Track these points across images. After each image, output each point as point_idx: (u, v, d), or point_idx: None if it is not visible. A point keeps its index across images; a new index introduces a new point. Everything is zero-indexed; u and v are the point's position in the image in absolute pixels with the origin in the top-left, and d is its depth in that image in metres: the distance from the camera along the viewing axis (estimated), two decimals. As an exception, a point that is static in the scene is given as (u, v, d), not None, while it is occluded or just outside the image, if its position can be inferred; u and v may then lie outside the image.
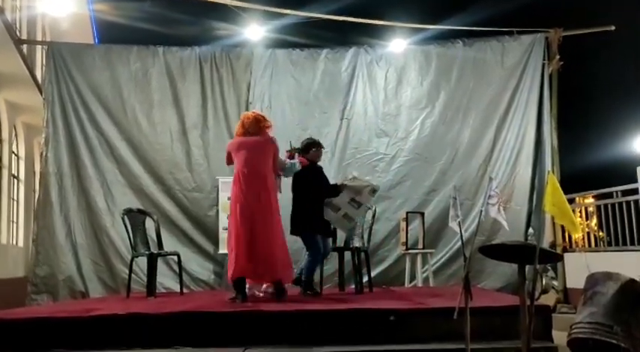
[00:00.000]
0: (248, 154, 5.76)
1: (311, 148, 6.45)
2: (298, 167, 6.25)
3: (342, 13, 9.05)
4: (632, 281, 3.48)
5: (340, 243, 7.14)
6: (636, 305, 3.43)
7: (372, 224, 7.07)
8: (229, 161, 6.01)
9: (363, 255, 6.88)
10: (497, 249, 3.68)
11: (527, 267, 3.61)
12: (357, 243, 6.93)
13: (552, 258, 4.44)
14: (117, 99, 8.81)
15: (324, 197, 6.31)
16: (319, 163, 6.60)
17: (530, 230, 8.51)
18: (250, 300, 5.65)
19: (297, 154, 6.43)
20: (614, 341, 3.33)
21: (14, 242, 11.38)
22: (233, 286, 5.69)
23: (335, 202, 6.30)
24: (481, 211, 3.82)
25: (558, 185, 3.74)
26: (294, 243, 8.44)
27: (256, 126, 5.90)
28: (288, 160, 6.27)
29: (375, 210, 7.03)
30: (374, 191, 6.42)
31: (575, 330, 3.53)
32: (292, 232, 6.33)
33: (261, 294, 6.17)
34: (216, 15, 9.40)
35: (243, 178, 5.69)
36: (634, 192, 7.47)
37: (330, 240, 6.74)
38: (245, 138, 5.88)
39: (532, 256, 3.34)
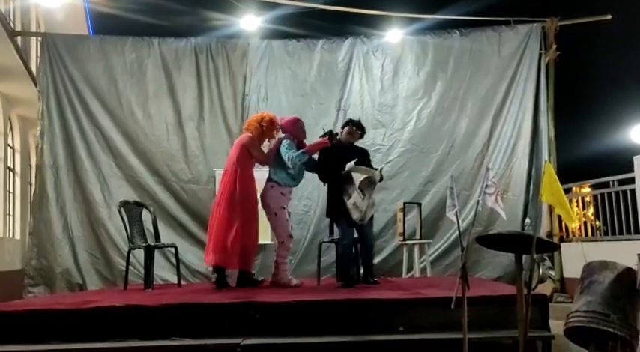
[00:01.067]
0: (231, 151, 6.37)
1: (343, 128, 6.32)
2: (299, 160, 6.06)
3: (338, 4, 9.03)
4: (628, 269, 3.49)
5: (337, 234, 7.11)
6: (632, 293, 3.44)
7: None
8: None
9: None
10: (494, 239, 3.68)
11: (524, 257, 3.61)
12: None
13: (549, 248, 4.45)
14: (112, 90, 8.78)
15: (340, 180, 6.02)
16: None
17: (527, 220, 8.52)
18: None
19: (331, 137, 6.20)
20: (610, 330, 3.34)
21: (10, 234, 11.35)
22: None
23: (346, 187, 5.99)
24: (478, 201, 3.82)
25: (555, 175, 3.73)
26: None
27: (247, 124, 6.40)
28: (290, 153, 6.05)
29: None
30: (370, 180, 5.99)
31: (571, 319, 3.54)
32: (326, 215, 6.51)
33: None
34: (212, 5, 9.36)
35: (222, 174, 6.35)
36: (630, 181, 7.48)
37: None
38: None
39: (529, 246, 3.35)
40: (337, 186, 6.03)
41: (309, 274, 7.85)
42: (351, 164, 6.03)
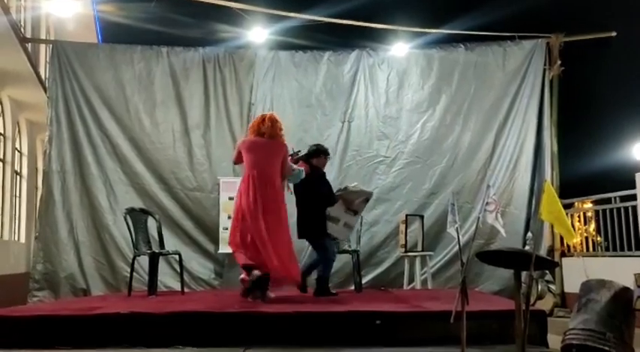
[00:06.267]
0: (260, 155, 5.86)
1: (318, 155, 6.51)
2: (302, 175, 6.26)
3: (345, 17, 9.10)
4: (625, 289, 3.55)
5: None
6: (628, 312, 3.50)
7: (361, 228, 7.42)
8: (238, 159, 6.06)
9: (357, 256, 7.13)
10: (494, 255, 3.75)
11: (523, 273, 3.67)
12: (353, 245, 7.23)
13: (548, 265, 4.51)
14: (120, 98, 8.87)
15: (327, 204, 6.39)
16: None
17: (529, 234, 8.56)
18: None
19: (300, 161, 6.41)
20: (606, 348, 3.40)
21: (16, 238, 11.44)
22: (254, 285, 5.65)
23: (333, 215, 6.37)
24: (478, 217, 3.89)
25: (555, 194, 3.79)
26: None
27: (273, 129, 5.96)
28: (295, 166, 6.23)
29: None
30: (367, 200, 6.49)
31: (568, 336, 3.60)
32: (300, 236, 6.47)
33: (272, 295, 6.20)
34: (221, 17, 9.46)
35: (252, 180, 5.77)
36: (632, 198, 7.53)
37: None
38: (258, 138, 5.95)
39: (528, 263, 3.41)
40: (318, 208, 6.31)
41: (310, 285, 7.90)
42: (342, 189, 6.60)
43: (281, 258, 5.66)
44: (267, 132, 5.92)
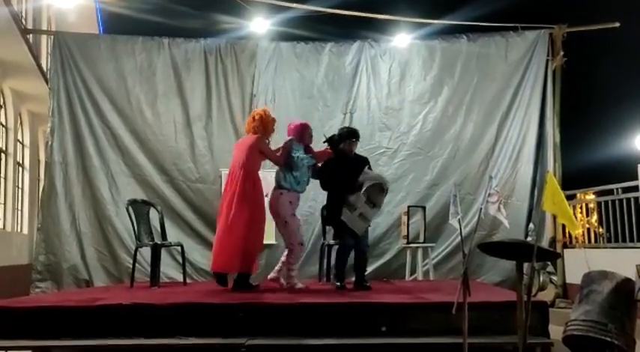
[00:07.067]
0: (234, 154, 6.28)
1: (343, 141, 6.40)
2: (307, 162, 6.16)
3: (346, 8, 9.06)
4: (626, 280, 3.56)
5: (329, 238, 7.29)
6: (630, 303, 3.50)
7: None
8: None
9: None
10: (495, 247, 3.74)
11: (525, 264, 3.67)
12: None
13: (550, 257, 4.51)
14: (122, 89, 8.84)
15: (344, 188, 6.14)
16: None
17: (531, 225, 8.56)
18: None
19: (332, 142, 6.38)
20: (607, 339, 3.41)
21: (19, 229, 11.48)
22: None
23: (351, 201, 6.08)
24: (481, 209, 3.89)
25: (557, 185, 3.77)
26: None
27: (251, 126, 6.24)
28: (301, 155, 6.13)
29: None
30: (382, 190, 6.16)
31: (570, 327, 3.61)
32: (325, 223, 6.70)
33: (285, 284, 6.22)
34: (222, 8, 9.44)
35: (227, 177, 6.28)
36: (634, 189, 7.52)
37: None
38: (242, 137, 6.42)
39: (530, 254, 3.41)
40: (337, 194, 6.20)
41: (313, 275, 7.93)
42: (367, 172, 6.25)
43: (218, 248, 6.00)
44: (249, 129, 6.30)
